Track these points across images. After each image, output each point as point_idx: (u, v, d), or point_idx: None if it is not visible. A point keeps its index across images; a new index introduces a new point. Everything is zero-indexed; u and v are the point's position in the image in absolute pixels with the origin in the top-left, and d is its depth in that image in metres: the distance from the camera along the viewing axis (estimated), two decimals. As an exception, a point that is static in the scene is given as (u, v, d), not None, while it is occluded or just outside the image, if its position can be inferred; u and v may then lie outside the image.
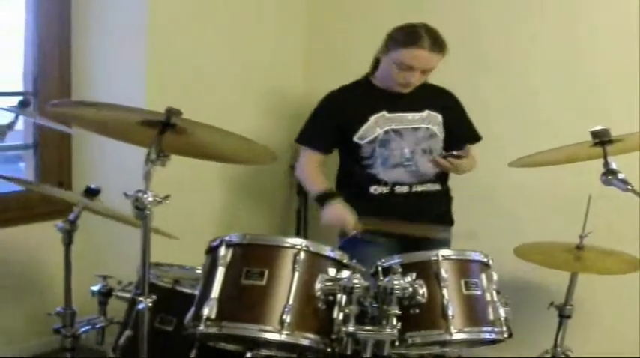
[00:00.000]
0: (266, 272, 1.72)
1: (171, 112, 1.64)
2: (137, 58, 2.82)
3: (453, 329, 1.76)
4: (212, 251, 1.84)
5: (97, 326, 2.19)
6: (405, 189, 2.47)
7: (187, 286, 2.03)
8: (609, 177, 1.85)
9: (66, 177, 3.03)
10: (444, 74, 2.52)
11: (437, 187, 2.54)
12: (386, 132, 2.46)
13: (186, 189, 2.85)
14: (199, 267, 1.90)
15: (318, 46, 3.49)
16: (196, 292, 1.82)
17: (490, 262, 1.92)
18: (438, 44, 2.36)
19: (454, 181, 2.64)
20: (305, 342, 1.70)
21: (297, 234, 3.39)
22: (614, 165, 1.86)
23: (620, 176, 1.84)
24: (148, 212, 1.64)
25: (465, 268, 1.87)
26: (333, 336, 1.71)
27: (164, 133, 1.67)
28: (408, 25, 2.41)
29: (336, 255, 1.82)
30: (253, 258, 1.77)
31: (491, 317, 1.83)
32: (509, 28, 2.96)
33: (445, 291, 1.79)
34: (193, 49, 2.95)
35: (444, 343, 1.87)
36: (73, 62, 2.99)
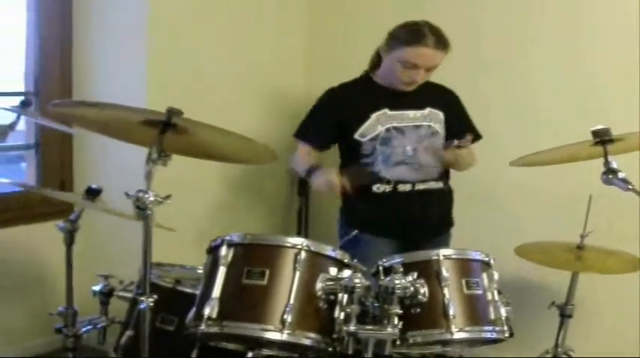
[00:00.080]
0: (267, 272, 1.72)
1: (173, 112, 1.64)
2: (138, 58, 2.82)
3: (454, 329, 1.76)
4: (213, 250, 1.84)
5: (99, 326, 2.19)
6: (407, 188, 2.47)
7: (188, 286, 2.03)
8: (610, 176, 1.85)
9: (67, 177, 3.04)
10: (444, 73, 2.51)
11: (440, 185, 2.54)
12: (387, 129, 2.46)
13: (188, 189, 2.84)
14: (200, 267, 1.90)
15: (318, 46, 3.49)
16: (197, 292, 1.82)
17: (491, 261, 1.92)
18: (441, 42, 2.36)
19: (455, 181, 2.63)
20: (306, 342, 1.70)
21: (299, 234, 3.39)
22: (614, 165, 1.86)
23: (621, 175, 1.84)
24: (149, 212, 1.64)
25: (466, 267, 1.87)
26: (335, 336, 1.71)
27: (165, 133, 1.67)
28: (410, 23, 2.41)
29: (337, 254, 1.82)
30: (254, 258, 1.77)
31: (492, 316, 1.83)
32: (510, 28, 2.96)
33: (446, 291, 1.79)
34: (194, 49, 2.95)
35: (445, 342, 1.87)
36: (74, 62, 2.99)
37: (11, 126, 2.09)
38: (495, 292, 1.87)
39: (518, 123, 2.95)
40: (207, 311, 1.70)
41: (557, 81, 2.87)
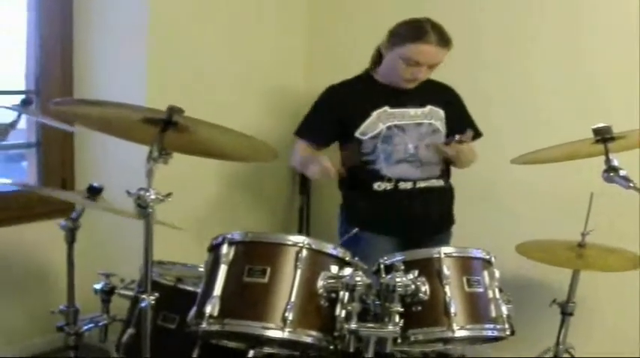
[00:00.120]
0: (268, 270, 1.72)
1: (173, 110, 1.64)
2: (138, 58, 2.82)
3: (455, 327, 1.76)
4: (214, 249, 1.84)
5: (100, 324, 2.19)
6: (409, 185, 2.46)
7: (190, 284, 2.04)
8: (611, 174, 1.85)
9: (68, 175, 3.04)
10: (445, 72, 2.51)
11: (441, 183, 2.54)
12: (388, 127, 2.45)
13: (189, 188, 2.85)
14: (202, 265, 1.90)
15: (318, 46, 3.49)
16: (199, 290, 1.82)
17: (492, 259, 1.92)
18: (444, 39, 2.35)
19: (456, 179, 2.64)
20: (307, 340, 1.70)
21: (300, 233, 3.40)
22: (615, 162, 1.86)
23: (622, 173, 1.84)
24: (150, 210, 1.64)
25: (467, 265, 1.87)
26: (336, 334, 1.71)
27: (166, 131, 1.67)
28: (412, 20, 2.40)
29: (339, 252, 1.82)
30: (256, 256, 1.77)
31: (493, 314, 1.83)
32: (510, 27, 2.95)
33: (447, 289, 1.79)
34: (194, 49, 2.95)
35: (446, 340, 1.87)
36: (75, 62, 2.99)
37: (12, 125, 2.09)
38: (496, 290, 1.87)
39: (519, 122, 2.95)
40: (208, 309, 1.70)
41: (558, 80, 2.87)
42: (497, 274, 1.90)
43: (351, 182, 2.58)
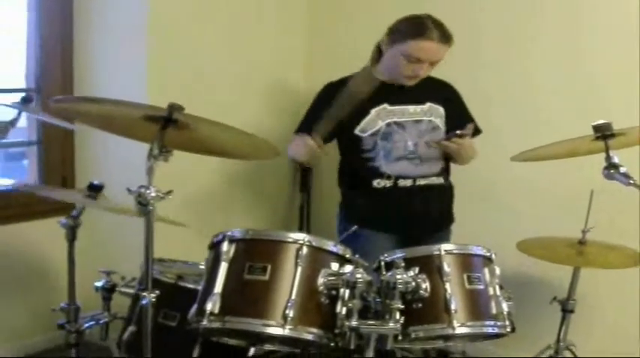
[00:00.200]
0: (269, 267, 1.72)
1: (174, 108, 1.64)
2: (138, 58, 2.82)
3: (455, 324, 1.76)
4: (215, 246, 1.84)
5: (101, 321, 2.19)
6: (408, 183, 2.46)
7: (190, 281, 2.04)
8: (611, 171, 1.85)
9: (69, 173, 3.04)
10: (445, 70, 2.51)
11: (440, 181, 2.53)
12: (388, 124, 2.45)
13: (190, 185, 2.85)
14: (202, 263, 1.91)
15: (318, 45, 3.49)
16: (199, 287, 1.83)
17: (493, 256, 1.92)
18: (445, 35, 2.35)
19: (456, 177, 2.63)
20: (308, 337, 1.70)
21: (300, 230, 3.39)
22: (616, 159, 1.86)
23: (622, 170, 1.84)
24: (150, 207, 1.65)
25: (468, 262, 1.87)
26: (336, 331, 1.71)
27: (166, 129, 1.67)
28: (413, 17, 2.39)
29: (339, 249, 1.82)
30: (256, 253, 1.78)
31: (493, 311, 1.83)
32: (510, 25, 2.96)
33: (448, 285, 1.78)
34: (194, 49, 2.95)
35: (446, 337, 1.88)
36: (75, 62, 2.99)
37: (12, 123, 2.09)
38: (497, 287, 1.87)
39: (519, 121, 2.95)
40: (209, 306, 1.70)
41: (558, 79, 2.87)
42: (497, 271, 1.90)
43: (350, 179, 2.58)
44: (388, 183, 2.45)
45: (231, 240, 1.79)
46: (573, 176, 2.69)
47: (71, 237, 2.16)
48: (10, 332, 2.87)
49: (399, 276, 1.72)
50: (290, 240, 1.77)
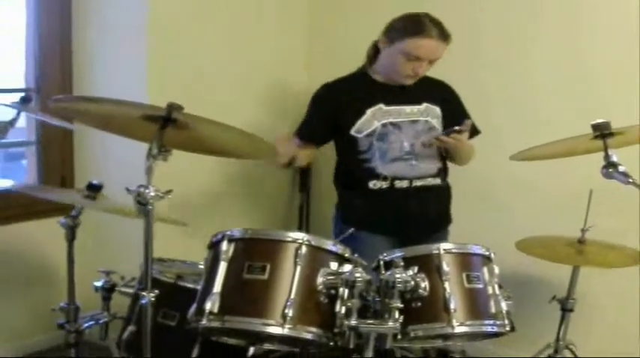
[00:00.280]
0: (268, 267, 1.72)
1: (173, 107, 1.64)
2: (138, 57, 2.82)
3: (455, 323, 1.76)
4: (214, 246, 1.84)
5: (101, 321, 2.20)
6: (405, 184, 2.44)
7: (190, 281, 2.04)
8: (610, 170, 1.85)
9: (68, 173, 3.04)
10: (445, 70, 2.51)
11: (437, 182, 2.51)
12: (384, 125, 2.43)
13: (189, 185, 2.85)
14: (201, 262, 1.91)
15: (319, 44, 3.49)
16: (199, 287, 1.83)
17: (492, 255, 1.92)
18: (444, 33, 2.34)
19: (456, 177, 2.63)
20: (307, 336, 1.70)
21: (300, 230, 3.39)
22: (614, 158, 1.86)
23: (621, 169, 1.84)
24: (150, 207, 1.65)
25: (467, 261, 1.87)
26: (336, 330, 1.71)
27: (165, 128, 1.67)
28: (411, 15, 2.38)
29: (338, 248, 1.82)
30: (255, 253, 1.78)
31: (493, 310, 1.83)
32: (510, 25, 2.96)
33: (447, 285, 1.78)
34: (194, 48, 2.95)
35: (446, 336, 1.88)
36: (74, 61, 2.99)
37: (11, 123, 2.09)
38: (496, 286, 1.87)
39: (519, 121, 2.95)
40: (208, 305, 1.70)
41: (557, 79, 2.87)
42: (496, 270, 1.90)
43: (346, 181, 2.57)
44: (384, 185, 2.43)
45: (231, 240, 1.79)
46: (572, 175, 2.69)
47: (70, 237, 2.16)
48: (10, 331, 2.87)
49: (398, 275, 1.72)
50: (289, 239, 1.77)
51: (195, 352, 1.96)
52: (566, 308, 2.49)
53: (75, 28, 2.97)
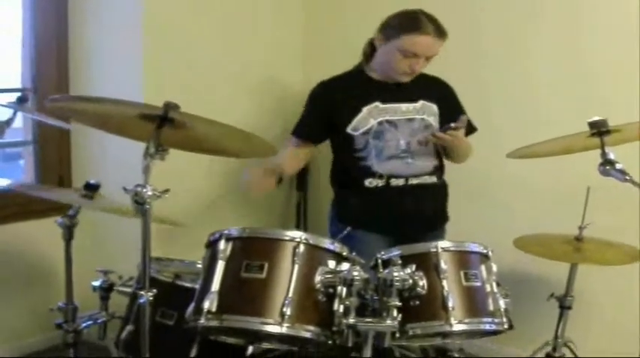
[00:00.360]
0: (266, 265, 1.72)
1: (169, 106, 1.64)
2: (134, 55, 2.81)
3: (453, 321, 1.76)
4: (212, 245, 1.84)
5: (99, 321, 2.20)
6: (400, 182, 2.43)
7: (188, 280, 2.04)
8: (607, 167, 1.86)
9: (65, 172, 3.04)
10: (444, 67, 2.51)
11: (433, 179, 2.49)
12: (380, 123, 2.42)
13: (186, 184, 2.85)
14: (199, 261, 1.91)
15: (314, 41, 3.49)
16: (197, 286, 1.82)
17: (489, 253, 1.92)
18: (440, 29, 2.34)
19: (454, 174, 2.63)
20: (306, 335, 1.70)
21: (297, 229, 3.39)
22: (612, 156, 1.87)
23: (618, 166, 1.84)
24: (147, 206, 1.64)
25: (465, 259, 1.87)
26: (334, 328, 1.71)
27: (162, 127, 1.67)
28: (406, 12, 2.38)
29: (336, 247, 1.82)
30: (253, 251, 1.78)
31: (491, 308, 1.83)
32: (510, 23, 2.95)
33: (445, 283, 1.79)
34: (190, 45, 2.95)
35: (444, 334, 1.88)
36: (71, 60, 2.99)
37: (8, 123, 2.09)
38: (494, 284, 1.87)
39: (519, 120, 2.95)
40: (206, 305, 1.70)
41: (558, 78, 2.87)
42: (494, 268, 1.90)
43: (342, 179, 2.56)
44: (380, 183, 2.42)
45: (228, 239, 1.79)
46: (570, 173, 2.69)
47: (68, 237, 2.16)
48: (8, 332, 2.87)
49: (396, 274, 1.72)
50: (287, 238, 1.77)
51: (193, 351, 1.96)
52: (564, 305, 2.49)
53: (71, 27, 2.96)
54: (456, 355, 2.55)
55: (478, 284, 1.84)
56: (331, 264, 1.77)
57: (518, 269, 2.76)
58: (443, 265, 1.80)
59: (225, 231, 1.80)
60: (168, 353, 1.99)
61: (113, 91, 2.78)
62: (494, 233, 2.40)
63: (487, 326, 1.83)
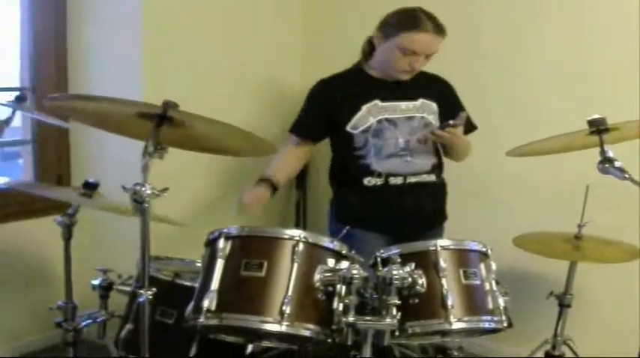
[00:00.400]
0: (265, 264, 1.72)
1: (168, 105, 1.64)
2: (133, 53, 2.81)
3: (452, 319, 1.76)
4: (211, 243, 1.84)
5: (98, 320, 2.20)
6: (399, 181, 2.42)
7: (187, 279, 2.04)
8: (606, 165, 1.86)
9: (64, 171, 3.04)
10: (444, 66, 2.51)
11: (432, 178, 2.49)
12: (379, 121, 2.41)
13: (185, 182, 2.85)
14: (199, 260, 1.91)
15: (314, 39, 3.49)
16: (196, 285, 1.82)
17: (489, 252, 1.92)
18: (439, 27, 2.33)
19: (453, 172, 2.63)
20: (305, 333, 1.70)
21: (297, 227, 3.39)
22: (610, 154, 1.87)
23: (617, 164, 1.84)
24: (146, 205, 1.64)
25: (464, 258, 1.87)
26: (334, 327, 1.71)
27: (161, 126, 1.67)
28: (405, 9, 2.37)
29: (335, 245, 1.82)
30: (252, 250, 1.77)
31: (490, 306, 1.83)
32: (510, 23, 2.95)
33: (444, 281, 1.79)
34: (189, 43, 2.95)
35: (443, 332, 1.88)
36: (69, 58, 2.98)
37: (6, 122, 2.09)
38: (493, 282, 1.87)
39: (519, 119, 2.95)
40: (206, 303, 1.70)
41: (557, 77, 2.87)
42: (493, 266, 1.90)
43: (341, 177, 2.56)
44: (379, 181, 2.42)
45: (227, 237, 1.79)
46: (569, 171, 2.69)
47: (67, 236, 2.15)
48: (7, 331, 2.87)
49: (395, 272, 1.72)
50: (286, 236, 1.77)
51: (193, 350, 1.96)
52: (563, 303, 2.49)
53: (70, 26, 2.96)
54: (456, 353, 2.55)
55: (477, 282, 1.84)
56: (330, 262, 1.77)
57: (517, 268, 2.76)
58: (442, 263, 1.80)
59: (225, 230, 1.80)
60: (168, 351, 1.99)
61: (112, 90, 2.78)
62: (494, 231, 2.40)
63: (486, 325, 1.83)
